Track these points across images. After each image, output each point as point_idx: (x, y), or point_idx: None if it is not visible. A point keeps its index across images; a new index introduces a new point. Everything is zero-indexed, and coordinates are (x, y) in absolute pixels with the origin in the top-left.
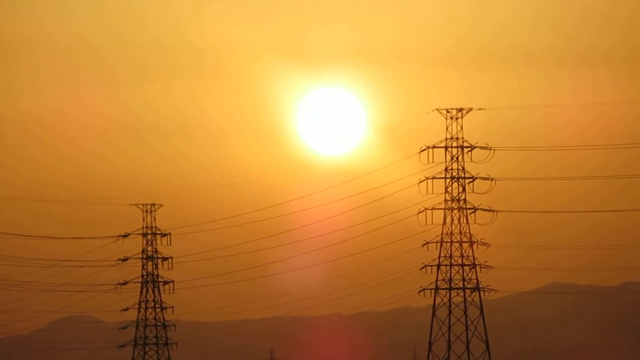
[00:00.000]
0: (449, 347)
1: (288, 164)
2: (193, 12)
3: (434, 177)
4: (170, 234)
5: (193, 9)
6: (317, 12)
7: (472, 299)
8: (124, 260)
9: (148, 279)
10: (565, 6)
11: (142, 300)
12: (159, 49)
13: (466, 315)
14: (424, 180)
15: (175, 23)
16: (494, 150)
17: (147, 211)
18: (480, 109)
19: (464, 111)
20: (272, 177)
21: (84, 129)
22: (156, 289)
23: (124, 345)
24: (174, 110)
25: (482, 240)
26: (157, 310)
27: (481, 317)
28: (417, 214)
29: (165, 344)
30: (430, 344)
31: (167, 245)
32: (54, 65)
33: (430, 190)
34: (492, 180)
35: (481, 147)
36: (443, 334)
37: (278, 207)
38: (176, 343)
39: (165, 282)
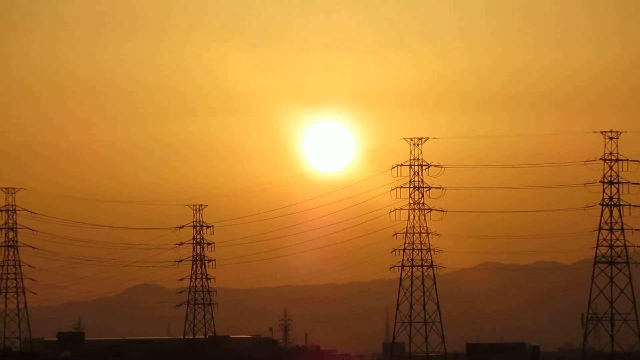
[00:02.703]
0: (411, 307)
1: (296, 177)
2: (221, 62)
3: (401, 187)
4: (212, 226)
5: (221, 59)
6: (318, 63)
7: (428, 274)
8: (180, 244)
9: (197, 258)
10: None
11: (193, 273)
12: (197, 92)
13: (423, 285)
14: (394, 189)
15: (208, 72)
16: (444, 167)
17: (196, 210)
18: (435, 138)
19: (423, 139)
20: (284, 186)
21: (145, 152)
22: (203, 265)
23: (179, 305)
24: (210, 137)
25: (435, 232)
26: (204, 280)
27: (434, 287)
28: (389, 213)
29: (209, 304)
30: (397, 305)
31: (211, 234)
32: (119, 104)
33: (398, 196)
34: (443, 189)
35: (435, 165)
36: (407, 299)
37: (288, 208)
38: (217, 304)
39: (209, 260)
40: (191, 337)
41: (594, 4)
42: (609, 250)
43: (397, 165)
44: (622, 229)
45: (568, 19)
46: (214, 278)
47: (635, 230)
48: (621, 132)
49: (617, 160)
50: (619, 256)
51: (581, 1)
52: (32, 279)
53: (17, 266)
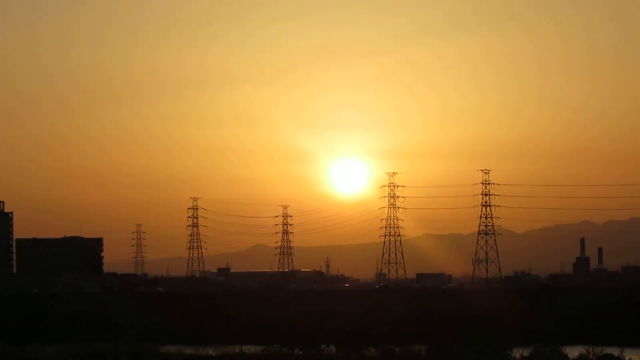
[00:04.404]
0: (389, 255)
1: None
2: (244, 93)
3: (387, 195)
4: (292, 216)
5: (247, 92)
6: (331, 101)
7: (397, 239)
8: (276, 225)
9: (285, 232)
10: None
11: (282, 240)
12: (219, 117)
13: (395, 245)
14: (381, 197)
15: (230, 98)
16: (405, 187)
17: (284, 208)
18: (401, 173)
19: (396, 173)
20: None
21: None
22: (286, 235)
23: (276, 254)
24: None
25: (400, 218)
26: (287, 242)
27: (400, 246)
28: (378, 209)
29: (290, 254)
30: (382, 254)
31: (291, 221)
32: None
33: (383, 202)
34: (404, 197)
35: (400, 186)
36: (387, 251)
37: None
38: (294, 254)
39: (290, 233)
40: (282, 270)
41: None
42: (485, 228)
43: (383, 185)
44: (491, 219)
45: None
46: (293, 241)
47: (497, 219)
48: (490, 170)
49: (488, 183)
50: (490, 231)
51: None
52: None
53: (197, 234)
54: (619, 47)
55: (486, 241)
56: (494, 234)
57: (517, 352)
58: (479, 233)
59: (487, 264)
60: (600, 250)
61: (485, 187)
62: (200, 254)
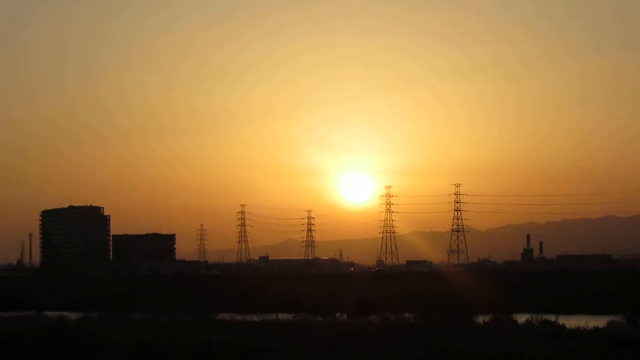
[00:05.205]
0: (387, 247)
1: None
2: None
3: (385, 202)
4: (314, 217)
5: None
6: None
7: (390, 234)
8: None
9: (309, 229)
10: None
11: (307, 237)
12: (259, 143)
13: (389, 240)
14: (381, 204)
15: (260, 129)
16: (398, 196)
17: (309, 211)
18: (395, 186)
19: (392, 186)
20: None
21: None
22: (310, 232)
23: (304, 246)
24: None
25: (394, 220)
26: (311, 238)
27: (395, 240)
28: (379, 212)
29: (313, 246)
30: (381, 246)
31: (314, 222)
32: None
33: (383, 209)
34: (397, 204)
35: (394, 195)
36: (384, 244)
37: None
38: (316, 246)
39: (314, 230)
40: (306, 258)
41: None
42: (457, 227)
43: (382, 195)
44: (461, 220)
45: None
46: (315, 237)
47: (465, 220)
48: (460, 184)
49: (459, 194)
50: (461, 229)
51: None
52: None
53: (244, 231)
54: (555, 90)
55: (457, 237)
56: (463, 231)
57: (480, 319)
58: (452, 231)
59: (458, 253)
60: (541, 243)
61: (457, 197)
62: (246, 246)
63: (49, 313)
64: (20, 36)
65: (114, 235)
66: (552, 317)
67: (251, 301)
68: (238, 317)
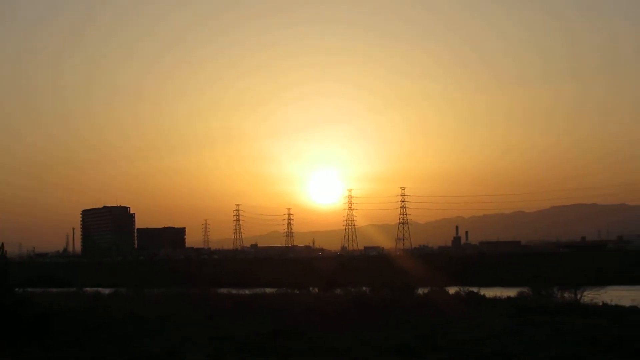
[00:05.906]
0: (349, 238)
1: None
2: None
3: (348, 202)
4: (293, 214)
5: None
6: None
7: (350, 229)
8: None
9: (289, 223)
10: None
11: (288, 229)
12: (238, 158)
13: (350, 232)
14: (345, 202)
15: (243, 141)
16: (358, 196)
17: (289, 212)
18: (355, 189)
19: (352, 189)
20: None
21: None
22: (289, 225)
23: (285, 235)
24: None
25: (354, 216)
26: (289, 230)
27: (355, 233)
28: (342, 209)
29: (291, 236)
30: (344, 237)
31: (292, 218)
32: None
33: (346, 207)
34: (358, 202)
35: (355, 196)
36: (347, 236)
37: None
38: (293, 237)
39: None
40: (287, 245)
41: None
42: (402, 220)
43: (345, 196)
44: (406, 215)
45: None
46: (293, 229)
47: (409, 215)
48: (405, 187)
49: (404, 195)
50: (405, 222)
51: None
52: (243, 229)
53: (239, 225)
54: (484, 114)
55: (403, 228)
56: (407, 223)
57: (420, 291)
58: (399, 223)
59: (403, 241)
60: (466, 233)
61: (403, 197)
62: (240, 237)
63: (87, 289)
64: (61, 71)
65: (138, 229)
66: (475, 289)
67: (244, 279)
68: (234, 292)
